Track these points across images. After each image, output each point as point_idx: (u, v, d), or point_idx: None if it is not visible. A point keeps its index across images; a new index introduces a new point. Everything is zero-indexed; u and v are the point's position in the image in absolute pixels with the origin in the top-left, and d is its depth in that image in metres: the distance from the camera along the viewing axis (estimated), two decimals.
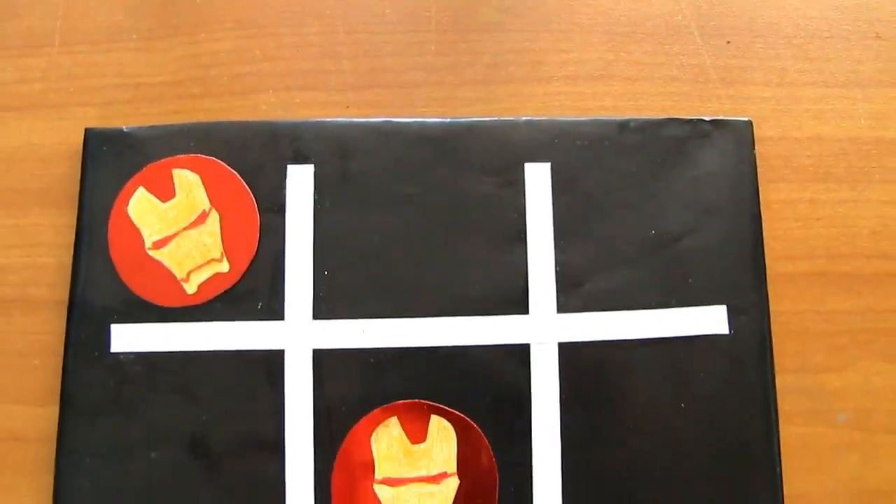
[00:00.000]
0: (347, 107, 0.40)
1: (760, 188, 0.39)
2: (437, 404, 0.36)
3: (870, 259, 0.39)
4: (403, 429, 0.36)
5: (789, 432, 0.37)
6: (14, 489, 0.38)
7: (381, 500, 0.36)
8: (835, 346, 0.38)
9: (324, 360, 0.37)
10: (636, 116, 0.39)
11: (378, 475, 0.36)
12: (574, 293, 0.37)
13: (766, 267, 0.38)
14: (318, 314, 0.37)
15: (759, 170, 0.39)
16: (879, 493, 0.37)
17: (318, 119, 0.39)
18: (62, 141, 0.40)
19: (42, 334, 0.39)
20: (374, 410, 0.36)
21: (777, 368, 0.37)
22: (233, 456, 0.36)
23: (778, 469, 0.36)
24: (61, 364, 0.37)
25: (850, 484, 0.37)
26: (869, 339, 0.38)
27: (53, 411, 0.37)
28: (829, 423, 0.38)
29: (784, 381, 0.38)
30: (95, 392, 0.37)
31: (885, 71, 0.41)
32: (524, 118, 0.39)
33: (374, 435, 0.36)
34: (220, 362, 0.37)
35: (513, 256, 0.37)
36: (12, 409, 0.38)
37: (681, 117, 0.39)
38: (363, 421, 0.36)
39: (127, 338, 0.37)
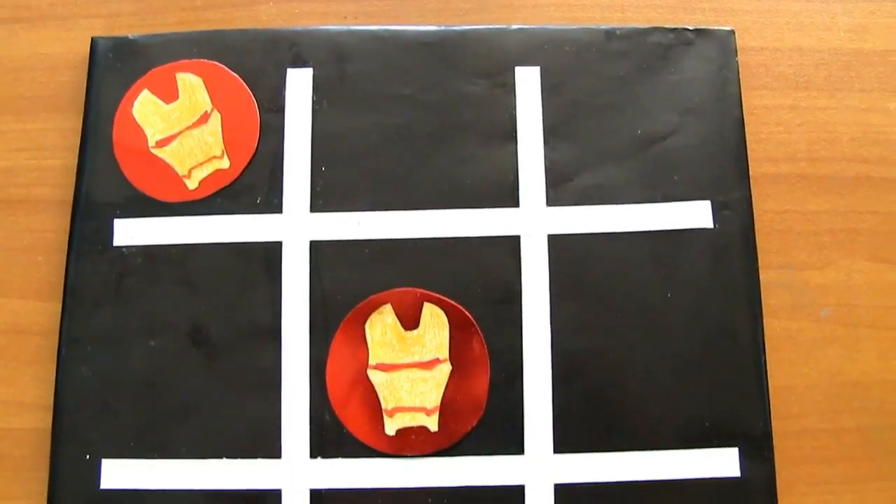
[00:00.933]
0: (345, 17, 0.42)
1: (743, 95, 0.40)
2: (429, 292, 0.37)
3: (850, 162, 0.40)
4: (397, 316, 0.37)
5: (773, 326, 0.38)
6: (16, 380, 0.39)
7: (375, 385, 0.37)
8: (817, 244, 0.40)
9: (320, 251, 0.38)
10: (622, 25, 0.41)
11: (372, 361, 0.37)
12: (563, 188, 0.38)
13: (750, 168, 0.39)
14: (315, 208, 0.38)
15: (741, 78, 0.40)
16: (860, 385, 0.38)
17: (317, 26, 0.41)
18: (69, 50, 0.42)
19: (46, 232, 0.40)
20: (369, 298, 0.37)
21: (761, 265, 0.38)
22: (231, 343, 0.37)
23: (763, 358, 0.37)
24: (65, 260, 0.38)
25: (833, 377, 0.38)
26: (850, 239, 0.40)
27: (56, 306, 0.38)
28: (812, 318, 0.39)
29: (768, 277, 0.39)
30: (98, 283, 0.38)
31: None
32: (515, 26, 0.40)
33: (368, 322, 0.37)
34: (219, 254, 0.38)
35: (503, 153, 0.39)
36: (16, 303, 0.39)
37: (665, 26, 0.40)
38: (357, 308, 0.37)
39: (129, 231, 0.38)
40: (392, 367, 0.37)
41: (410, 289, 0.37)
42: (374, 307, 0.37)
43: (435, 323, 0.37)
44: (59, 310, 0.38)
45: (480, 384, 0.37)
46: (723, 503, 0.36)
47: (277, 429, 0.37)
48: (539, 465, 0.36)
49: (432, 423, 0.36)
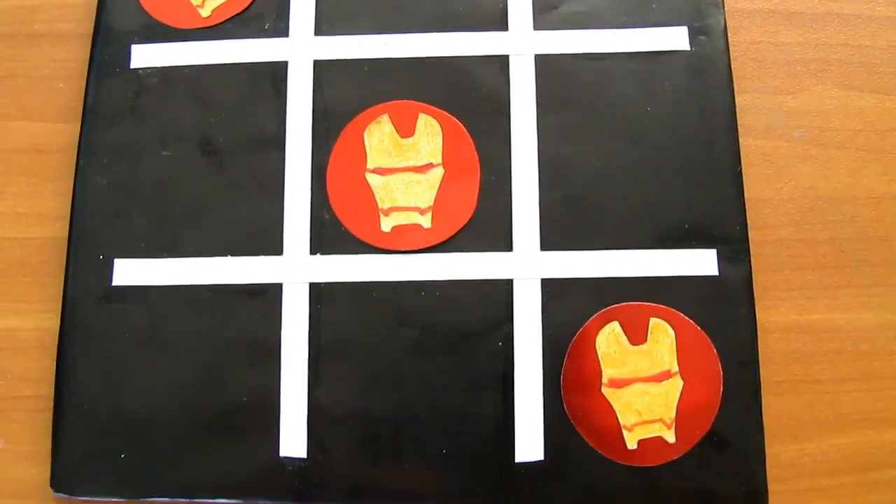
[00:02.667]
0: None
1: None
2: (424, 104, 0.40)
3: (821, 0, 0.43)
4: (393, 124, 0.40)
5: (749, 144, 0.41)
6: (37, 195, 0.41)
7: (372, 187, 0.39)
8: (790, 72, 0.42)
9: (323, 70, 0.41)
10: None
11: (369, 165, 0.39)
12: (549, 14, 0.41)
13: (725, 3, 0.42)
14: (318, 32, 0.41)
15: None
16: (831, 199, 0.40)
17: None
18: None
19: (68, 62, 0.43)
20: (367, 108, 0.40)
21: (736, 89, 0.41)
22: (238, 152, 0.40)
23: (739, 168, 0.39)
24: (84, 86, 0.41)
25: (807, 191, 0.40)
26: (821, 69, 0.42)
27: (75, 126, 0.41)
28: (785, 138, 0.41)
29: (743, 101, 0.41)
30: (115, 101, 0.41)
31: None
32: None
33: (366, 130, 0.40)
34: (230, 73, 0.41)
35: None
36: (37, 125, 0.42)
37: None
38: (357, 118, 0.40)
39: (146, 55, 0.41)
40: (388, 170, 0.39)
41: (406, 101, 0.40)
42: (373, 117, 0.40)
43: (429, 131, 0.40)
44: (78, 130, 0.41)
45: (471, 187, 0.39)
46: (702, 299, 0.38)
47: (279, 228, 0.39)
48: (526, 260, 0.38)
49: (426, 221, 0.39)
